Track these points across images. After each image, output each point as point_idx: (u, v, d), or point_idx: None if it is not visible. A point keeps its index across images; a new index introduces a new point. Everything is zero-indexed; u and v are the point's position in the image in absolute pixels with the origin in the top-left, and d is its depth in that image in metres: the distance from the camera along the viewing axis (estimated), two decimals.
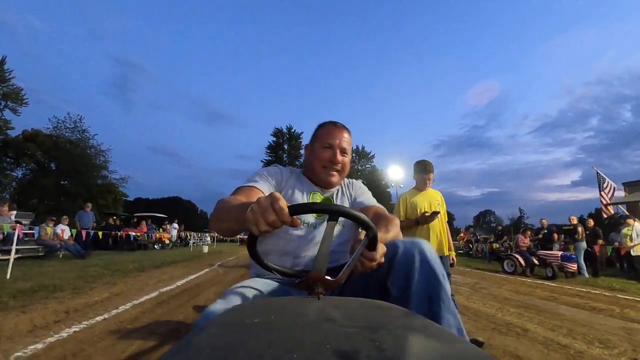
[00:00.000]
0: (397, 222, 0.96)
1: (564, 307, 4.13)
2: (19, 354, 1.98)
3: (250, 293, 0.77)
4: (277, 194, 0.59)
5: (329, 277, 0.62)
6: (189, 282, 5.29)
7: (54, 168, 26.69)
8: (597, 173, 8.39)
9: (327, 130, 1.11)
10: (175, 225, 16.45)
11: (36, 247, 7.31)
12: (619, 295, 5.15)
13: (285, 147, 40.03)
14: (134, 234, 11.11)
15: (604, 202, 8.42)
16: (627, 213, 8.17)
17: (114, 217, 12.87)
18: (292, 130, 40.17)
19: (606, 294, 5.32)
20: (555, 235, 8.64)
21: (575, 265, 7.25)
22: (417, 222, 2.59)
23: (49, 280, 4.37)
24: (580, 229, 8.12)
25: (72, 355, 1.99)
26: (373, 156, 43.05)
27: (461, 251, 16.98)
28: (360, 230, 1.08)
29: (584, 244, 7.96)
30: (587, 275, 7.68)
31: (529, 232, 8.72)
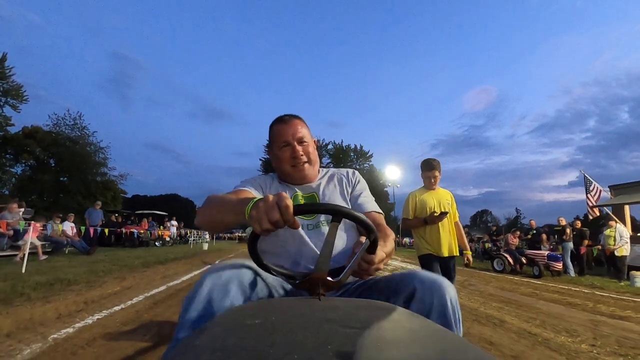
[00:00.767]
0: (392, 237, 0.95)
1: (542, 302, 4.46)
2: (54, 336, 2.27)
3: (248, 281, 0.72)
4: (284, 193, 0.59)
5: (330, 278, 0.62)
6: (194, 277, 5.58)
7: (53, 165, 26.79)
8: (584, 176, 8.74)
9: (277, 130, 1.07)
10: (174, 222, 16.72)
11: (44, 243, 7.56)
12: (597, 293, 5.49)
13: None
14: (137, 231, 11.38)
15: (590, 204, 8.78)
16: (612, 215, 8.53)
17: (116, 215, 13.11)
18: None
19: (585, 291, 5.66)
20: (544, 236, 8.99)
21: (561, 264, 7.60)
22: (425, 222, 2.52)
23: (62, 275, 4.65)
24: (568, 230, 8.48)
25: (100, 337, 2.28)
26: (371, 155, 43.34)
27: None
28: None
29: (570, 245, 8.32)
30: (573, 274, 8.04)
31: (517, 233, 9.07)
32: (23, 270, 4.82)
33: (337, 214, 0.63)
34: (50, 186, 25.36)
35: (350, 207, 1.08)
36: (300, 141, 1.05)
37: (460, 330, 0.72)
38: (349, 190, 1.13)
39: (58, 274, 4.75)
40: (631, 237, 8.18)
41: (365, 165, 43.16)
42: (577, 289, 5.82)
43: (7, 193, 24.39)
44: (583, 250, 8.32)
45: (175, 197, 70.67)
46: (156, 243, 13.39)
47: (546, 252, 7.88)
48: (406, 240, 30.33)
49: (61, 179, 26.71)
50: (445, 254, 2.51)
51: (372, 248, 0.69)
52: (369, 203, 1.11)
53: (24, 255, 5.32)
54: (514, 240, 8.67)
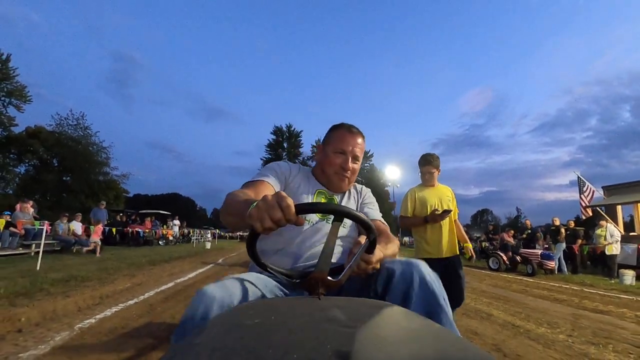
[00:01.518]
0: (397, 243, 0.98)
1: (530, 298, 4.70)
2: (79, 325, 2.52)
3: (249, 287, 0.74)
4: (283, 193, 0.59)
5: (330, 278, 0.62)
6: (199, 274, 5.83)
7: (56, 164, 27.06)
8: (578, 177, 8.97)
9: (341, 135, 1.09)
10: (177, 222, 16.99)
11: (53, 241, 7.82)
12: (585, 290, 5.73)
13: (285, 145, 40.46)
14: (142, 230, 11.63)
15: (583, 204, 9.01)
16: (604, 215, 8.75)
17: (121, 214, 13.38)
18: (292, 129, 40.61)
19: (574, 288, 5.90)
20: (539, 235, 9.22)
21: (553, 263, 7.83)
22: (426, 221, 2.37)
23: (75, 272, 4.90)
24: (562, 230, 8.71)
25: (121, 327, 2.53)
26: (372, 155, 43.55)
27: None
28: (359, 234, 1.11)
29: (563, 244, 8.55)
30: (566, 272, 8.27)
31: (511, 232, 9.31)
32: (37, 268, 5.06)
33: (338, 214, 0.63)
34: (53, 186, 25.63)
35: None
36: (355, 157, 1.10)
37: (445, 299, 0.75)
38: (360, 201, 1.20)
39: (71, 271, 4.99)
40: (622, 237, 8.41)
41: (365, 164, 43.38)
42: (567, 286, 6.05)
43: (11, 193, 24.67)
44: (576, 249, 8.55)
45: (176, 196, 70.95)
46: (159, 242, 13.65)
47: (539, 251, 8.12)
48: (406, 239, 30.56)
49: (64, 178, 26.97)
50: (447, 253, 2.37)
51: (371, 248, 0.69)
52: (375, 212, 1.17)
53: (30, 253, 5.56)
54: (508, 238, 8.90)
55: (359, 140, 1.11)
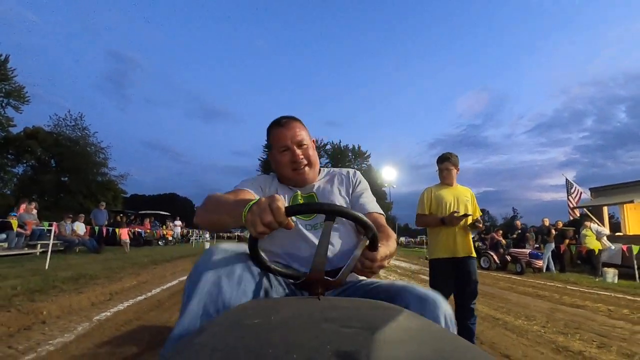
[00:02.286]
0: (394, 237, 0.94)
1: (514, 294, 5.00)
2: (97, 317, 2.77)
3: (247, 280, 0.69)
4: (278, 196, 0.59)
5: (328, 278, 0.62)
6: None
7: (54, 165, 27.11)
8: (566, 179, 9.33)
9: (275, 134, 1.06)
10: (178, 222, 17.20)
11: (57, 242, 8.02)
12: (568, 287, 6.04)
13: None
14: (143, 231, 11.84)
15: (571, 205, 9.36)
16: (591, 215, 9.10)
17: (121, 215, 13.57)
18: None
19: (558, 285, 6.21)
20: (528, 235, 9.55)
21: (541, 262, 8.15)
22: (442, 222, 2.29)
23: (82, 271, 5.12)
24: (552, 230, 9.04)
25: (135, 319, 2.78)
26: (369, 156, 43.90)
27: None
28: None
29: (552, 244, 8.87)
30: (554, 271, 8.59)
31: (500, 232, 9.64)
32: (46, 267, 5.28)
33: (329, 213, 0.62)
34: (51, 186, 25.68)
35: (350, 207, 1.06)
36: (300, 144, 1.04)
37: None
38: (350, 191, 1.12)
39: (79, 270, 5.22)
40: (608, 237, 8.75)
41: (363, 165, 43.71)
42: (552, 284, 6.36)
43: (9, 193, 24.71)
44: (563, 248, 8.87)
45: (174, 197, 70.89)
46: (159, 242, 13.84)
47: (528, 251, 8.43)
48: (402, 240, 30.92)
49: (62, 179, 27.03)
50: (462, 253, 2.29)
51: (372, 245, 0.68)
52: (370, 203, 1.09)
53: (36, 252, 5.77)
54: (498, 238, 9.22)
55: (295, 128, 1.06)
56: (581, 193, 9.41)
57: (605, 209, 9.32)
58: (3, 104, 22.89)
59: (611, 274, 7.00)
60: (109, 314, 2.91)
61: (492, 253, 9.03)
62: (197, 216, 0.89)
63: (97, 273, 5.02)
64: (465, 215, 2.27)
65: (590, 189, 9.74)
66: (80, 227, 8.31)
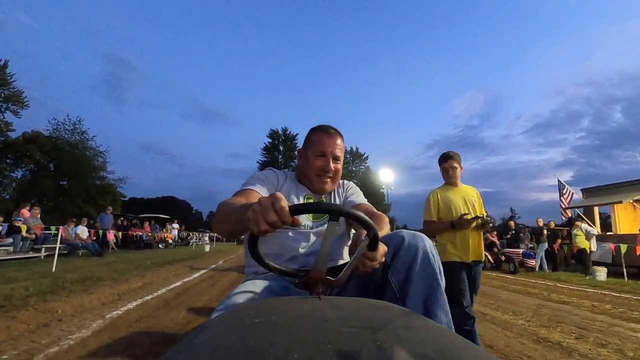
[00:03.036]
0: (387, 220, 0.99)
1: (505, 292, 5.21)
2: (109, 315, 2.95)
3: (251, 296, 0.76)
4: (279, 194, 0.59)
5: (329, 277, 0.63)
6: (203, 274, 6.26)
7: (53, 169, 27.19)
8: (558, 180, 9.60)
9: (319, 137, 1.11)
10: (175, 225, 17.33)
11: (61, 245, 8.17)
12: (558, 285, 6.25)
13: (281, 148, 40.92)
14: (145, 234, 12.00)
15: (563, 206, 9.61)
16: (582, 216, 9.35)
17: (122, 219, 13.71)
18: (288, 132, 41.10)
19: (549, 283, 6.43)
20: (522, 236, 9.79)
21: (534, 261, 8.38)
22: (452, 226, 2.16)
23: (89, 273, 5.29)
24: (545, 230, 9.28)
25: (145, 317, 2.97)
26: (367, 157, 44.19)
27: None
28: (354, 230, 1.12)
29: (545, 244, 9.11)
30: (547, 270, 8.82)
31: (495, 232, 9.87)
32: (53, 269, 5.44)
33: (333, 213, 0.63)
34: (50, 190, 25.75)
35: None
36: (336, 158, 1.11)
37: (443, 281, 0.78)
38: (343, 195, 1.22)
39: (85, 272, 5.38)
40: (599, 236, 8.99)
41: (361, 167, 43.98)
42: (542, 282, 6.58)
43: (8, 197, 24.75)
44: (556, 248, 9.11)
45: (172, 200, 70.83)
46: (159, 245, 13.97)
47: (521, 251, 8.66)
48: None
49: (61, 183, 27.10)
50: (472, 258, 2.21)
51: (373, 245, 0.69)
52: (359, 198, 1.20)
53: (41, 255, 5.93)
54: (492, 238, 9.45)
55: (338, 141, 1.12)
56: (573, 194, 9.68)
57: (596, 209, 9.57)
58: (2, 109, 23.00)
59: (602, 273, 7.23)
60: (120, 312, 3.09)
61: (486, 253, 9.25)
62: (213, 228, 0.92)
63: (103, 275, 5.19)
64: (476, 218, 2.17)
65: (582, 190, 10.01)
66: (84, 232, 8.46)
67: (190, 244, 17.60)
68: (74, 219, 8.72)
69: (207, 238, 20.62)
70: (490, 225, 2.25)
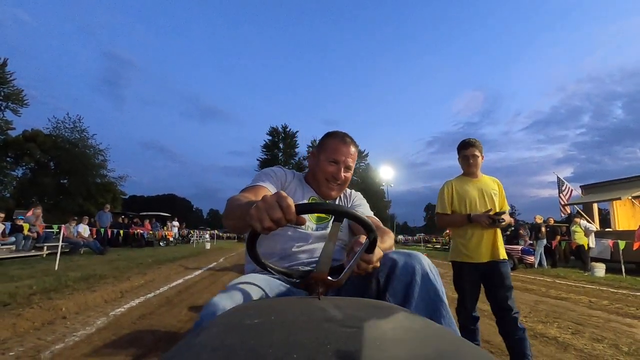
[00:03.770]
0: (392, 236, 1.01)
1: None
2: (112, 313, 2.99)
3: (251, 289, 0.76)
4: (284, 193, 0.59)
5: (330, 278, 0.63)
6: (205, 271, 6.31)
7: (53, 167, 27.22)
8: (557, 177, 9.62)
9: (334, 144, 1.12)
10: (176, 223, 17.39)
11: (62, 243, 8.22)
12: (556, 281, 6.31)
13: (281, 146, 40.88)
14: (146, 232, 12.05)
15: (562, 202, 9.64)
16: (582, 212, 9.38)
17: (122, 217, 13.76)
18: (288, 130, 41.05)
19: (547, 279, 6.48)
20: (521, 232, 9.83)
21: (533, 258, 8.43)
22: (469, 219, 1.99)
23: (91, 271, 5.33)
24: (543, 227, 9.32)
25: (148, 314, 3.01)
26: (367, 155, 44.17)
27: (447, 247, 18.30)
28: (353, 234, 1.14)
29: (544, 241, 9.16)
30: (546, 266, 8.88)
31: None
32: (56, 268, 5.49)
33: (339, 214, 0.64)
34: (50, 189, 25.80)
35: None
36: (348, 167, 1.12)
37: (444, 293, 0.78)
38: (348, 204, 1.23)
39: (87, 270, 5.43)
40: (598, 233, 9.04)
41: (361, 164, 43.97)
42: (542, 278, 6.63)
43: (9, 196, 24.81)
44: (555, 244, 9.17)
45: (172, 198, 70.93)
46: (160, 243, 14.04)
47: (520, 247, 8.71)
48: (400, 237, 31.23)
49: (61, 181, 27.15)
50: (485, 258, 2.00)
51: (371, 248, 0.70)
52: (365, 209, 1.22)
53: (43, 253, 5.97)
54: None
55: (352, 149, 1.13)
56: (572, 190, 9.71)
57: (595, 205, 9.61)
58: (2, 108, 22.98)
59: (600, 269, 7.28)
60: (123, 309, 3.14)
61: None
62: (224, 221, 0.92)
63: (106, 273, 5.23)
64: (499, 214, 1.95)
65: (581, 187, 10.04)
66: (85, 230, 8.51)
67: (191, 241, 17.66)
68: (76, 218, 8.76)
69: (207, 236, 20.71)
70: (503, 223, 1.95)
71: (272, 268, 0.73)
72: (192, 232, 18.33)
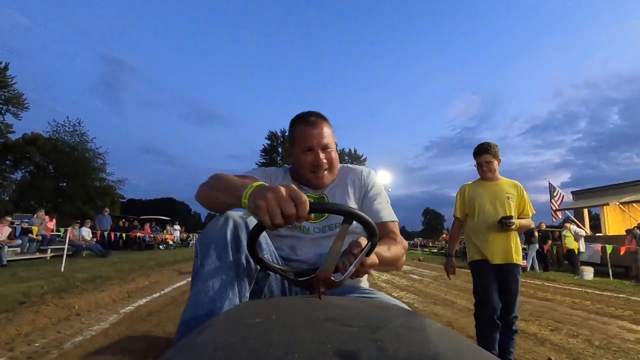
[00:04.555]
0: (402, 245, 0.95)
1: None
2: (123, 310, 3.20)
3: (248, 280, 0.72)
4: (294, 186, 0.56)
5: (334, 278, 0.63)
6: None
7: (52, 170, 27.32)
8: (549, 183, 9.91)
9: (302, 131, 1.01)
10: (177, 227, 17.55)
11: (66, 246, 8.40)
12: (545, 284, 6.54)
13: (280, 150, 41.15)
14: (147, 236, 12.22)
15: (554, 208, 9.91)
16: (572, 217, 9.66)
17: (123, 220, 13.91)
18: (286, 134, 41.28)
19: (537, 282, 6.71)
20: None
21: (525, 262, 8.67)
22: (447, 255, 2.17)
23: (97, 273, 5.52)
24: (535, 232, 9.59)
25: (156, 311, 3.22)
26: (365, 159, 44.46)
27: (443, 251, 18.54)
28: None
29: (536, 245, 9.41)
30: (538, 270, 9.11)
31: None
32: (62, 269, 5.67)
33: (349, 216, 0.63)
34: (50, 192, 25.87)
35: (359, 209, 1.01)
36: (325, 147, 1.00)
37: None
38: (362, 193, 1.08)
39: (92, 272, 5.61)
40: (588, 237, 9.30)
41: None
42: (532, 281, 6.86)
43: (7, 199, 24.87)
44: (546, 248, 9.41)
45: (171, 201, 70.84)
46: (160, 246, 14.18)
47: None
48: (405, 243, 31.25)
49: (60, 184, 27.23)
50: (498, 260, 2.00)
51: (368, 251, 0.70)
52: (384, 210, 1.05)
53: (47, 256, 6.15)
54: None
55: (324, 127, 1.02)
56: (563, 196, 10.00)
57: (586, 211, 9.89)
58: (2, 111, 23.14)
59: (589, 272, 7.52)
60: (132, 308, 3.34)
61: None
62: (198, 192, 0.83)
63: (110, 275, 5.42)
64: (507, 218, 1.96)
65: (572, 192, 10.34)
66: (88, 233, 8.69)
67: (190, 245, 17.80)
68: (78, 221, 8.94)
69: None
70: (512, 226, 1.95)
71: (274, 268, 0.72)
72: (191, 235, 18.46)
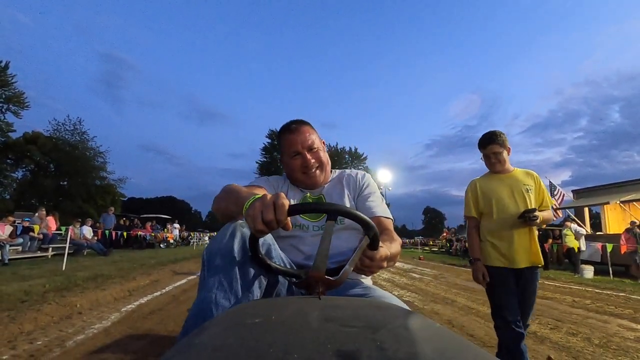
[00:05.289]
0: (399, 242, 0.95)
1: None
2: (124, 309, 3.21)
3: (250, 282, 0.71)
4: (282, 194, 0.59)
5: (329, 277, 0.62)
6: None
7: (53, 169, 27.36)
8: (550, 182, 9.90)
9: (286, 140, 1.08)
10: (177, 225, 17.59)
11: (66, 245, 8.42)
12: (546, 282, 6.54)
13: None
14: (148, 234, 12.24)
15: (554, 206, 9.90)
16: (573, 216, 9.66)
17: (124, 219, 13.94)
18: None
19: None
20: None
21: None
22: (471, 263, 1.88)
23: (98, 271, 5.54)
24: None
25: (157, 310, 3.23)
26: (365, 158, 44.46)
27: (444, 250, 18.56)
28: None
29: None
30: None
31: None
32: (63, 268, 5.69)
33: (331, 212, 0.63)
34: (50, 190, 25.92)
35: (355, 208, 1.04)
36: (310, 148, 1.07)
37: None
38: (357, 192, 1.13)
39: (94, 270, 5.64)
40: (589, 236, 9.31)
41: (359, 167, 44.24)
42: None
43: (9, 198, 24.92)
44: (547, 247, 9.42)
45: (171, 200, 70.94)
46: (161, 245, 14.21)
47: None
48: (407, 241, 31.35)
49: (61, 183, 27.28)
50: (523, 264, 1.75)
51: (373, 245, 0.69)
52: (378, 207, 1.08)
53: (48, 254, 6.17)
54: None
55: (305, 132, 1.08)
56: (564, 195, 10.00)
57: (586, 209, 9.89)
58: (3, 110, 23.15)
59: (589, 271, 7.53)
60: (133, 306, 3.35)
61: None
62: (213, 205, 0.90)
63: (112, 273, 5.44)
64: (530, 211, 1.70)
65: (573, 191, 10.33)
66: (89, 232, 8.72)
67: (191, 243, 17.84)
68: (79, 220, 8.96)
69: (207, 238, 20.87)
70: (536, 220, 1.70)
71: (275, 268, 0.72)
72: (192, 234, 18.50)
